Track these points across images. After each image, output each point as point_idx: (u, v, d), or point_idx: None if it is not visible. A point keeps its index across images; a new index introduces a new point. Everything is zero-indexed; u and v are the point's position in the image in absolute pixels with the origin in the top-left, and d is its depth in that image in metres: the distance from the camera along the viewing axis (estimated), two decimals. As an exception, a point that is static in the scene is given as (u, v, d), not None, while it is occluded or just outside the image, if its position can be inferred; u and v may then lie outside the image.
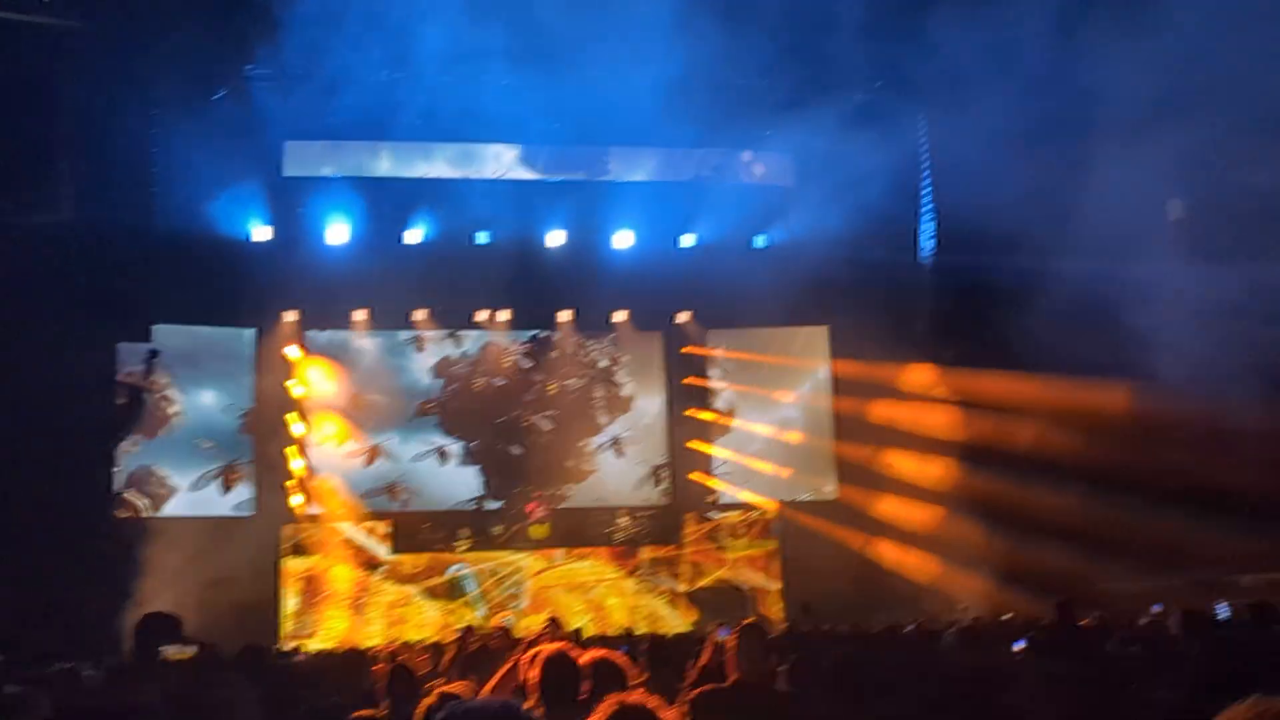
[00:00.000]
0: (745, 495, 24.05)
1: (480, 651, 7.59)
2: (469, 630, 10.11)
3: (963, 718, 5.98)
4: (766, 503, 23.88)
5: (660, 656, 7.32)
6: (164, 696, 4.02)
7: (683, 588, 23.26)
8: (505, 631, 11.16)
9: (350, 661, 8.71)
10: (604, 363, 24.47)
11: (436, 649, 10.11)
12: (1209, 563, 18.30)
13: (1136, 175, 17.01)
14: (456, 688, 6.62)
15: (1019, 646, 8.94)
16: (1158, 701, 6.59)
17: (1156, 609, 13.11)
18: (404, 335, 23.70)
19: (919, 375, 22.35)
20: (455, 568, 22.46)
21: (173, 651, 4.58)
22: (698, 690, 5.59)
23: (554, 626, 8.64)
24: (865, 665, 5.80)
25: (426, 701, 4.70)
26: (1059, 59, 16.99)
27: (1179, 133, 16.04)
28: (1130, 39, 15.76)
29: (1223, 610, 9.91)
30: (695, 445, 24.28)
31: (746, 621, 6.45)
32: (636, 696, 3.80)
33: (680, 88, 20.75)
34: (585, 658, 5.26)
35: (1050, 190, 17.43)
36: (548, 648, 5.24)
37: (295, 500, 22.21)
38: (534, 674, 4.97)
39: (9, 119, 17.96)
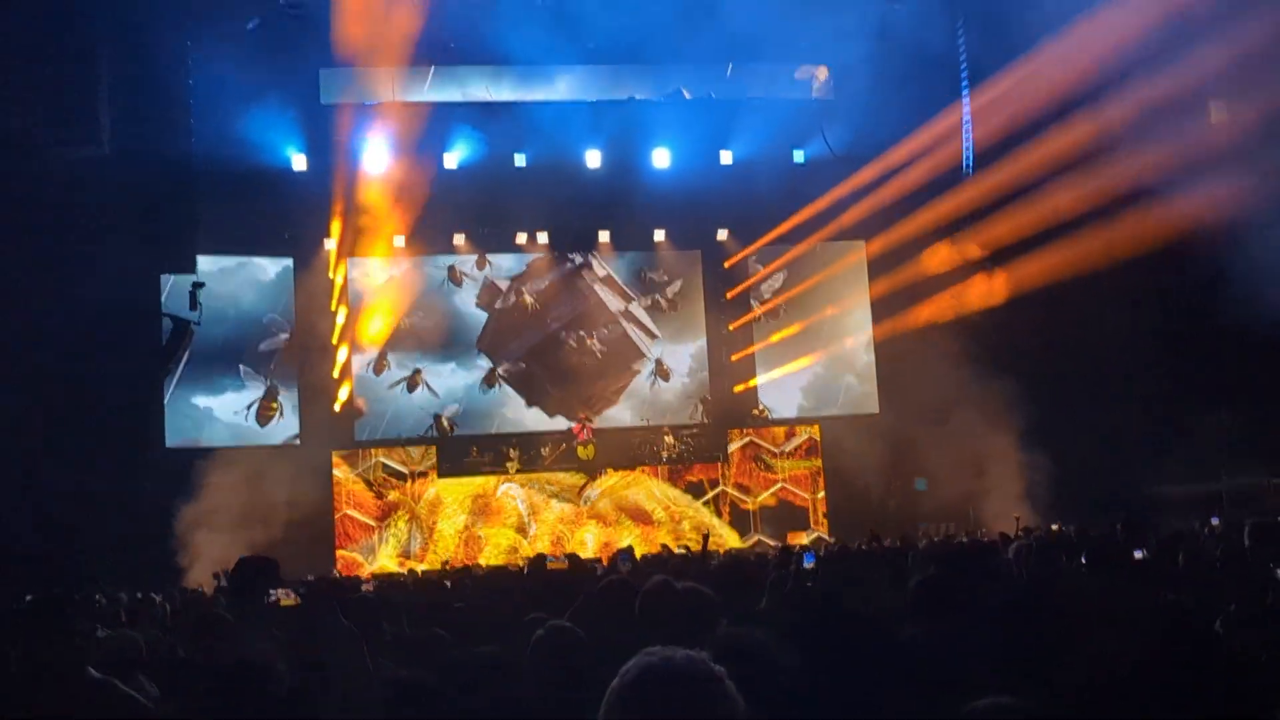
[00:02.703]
0: (788, 411, 24.15)
1: (552, 580, 7.64)
2: (540, 557, 10.14)
3: (1026, 636, 5.95)
4: (809, 418, 24.00)
5: (735, 580, 7.28)
6: (278, 645, 4.05)
7: (727, 507, 23.49)
8: (575, 557, 11.22)
9: (431, 590, 8.81)
10: (645, 281, 24.37)
11: (505, 576, 10.20)
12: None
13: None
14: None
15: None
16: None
17: (1215, 521, 13.09)
18: (442, 262, 23.65)
19: (948, 250, 22.17)
20: (504, 488, 22.65)
21: (281, 596, 4.57)
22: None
23: (625, 558, 8.64)
24: (942, 584, 5.74)
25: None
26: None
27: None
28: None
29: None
30: (738, 358, 24.28)
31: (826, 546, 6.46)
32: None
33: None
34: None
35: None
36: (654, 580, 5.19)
37: (342, 427, 22.34)
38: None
39: (45, 52, 17.87)
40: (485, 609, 7.00)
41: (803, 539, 22.11)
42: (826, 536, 21.99)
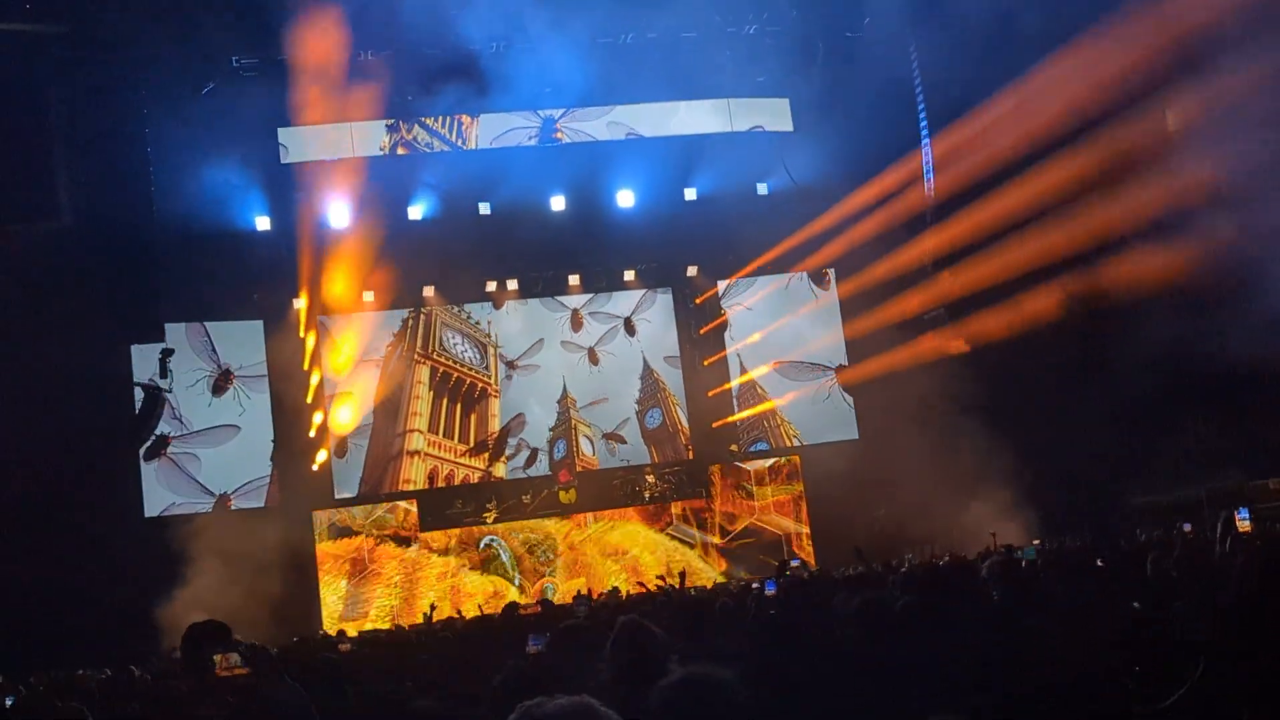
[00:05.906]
0: (767, 442, 24.15)
1: (524, 625, 7.61)
2: (513, 605, 10.08)
3: (997, 645, 5.96)
4: (788, 447, 24.02)
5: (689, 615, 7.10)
6: (227, 715, 3.99)
7: (714, 539, 23.42)
8: (547, 603, 11.16)
9: (395, 644, 8.74)
10: (617, 322, 24.32)
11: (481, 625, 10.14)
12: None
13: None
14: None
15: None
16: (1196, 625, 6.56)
17: (1187, 528, 13.13)
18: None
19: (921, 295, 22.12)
20: (487, 540, 22.56)
21: (222, 662, 4.48)
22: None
23: (584, 600, 8.63)
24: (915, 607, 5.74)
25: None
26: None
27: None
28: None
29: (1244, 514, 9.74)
30: (715, 393, 24.26)
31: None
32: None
33: (671, 39, 20.75)
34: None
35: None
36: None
37: (322, 484, 22.22)
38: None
39: (1, 128, 17.89)
40: (455, 659, 6.95)
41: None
42: (809, 563, 21.88)
